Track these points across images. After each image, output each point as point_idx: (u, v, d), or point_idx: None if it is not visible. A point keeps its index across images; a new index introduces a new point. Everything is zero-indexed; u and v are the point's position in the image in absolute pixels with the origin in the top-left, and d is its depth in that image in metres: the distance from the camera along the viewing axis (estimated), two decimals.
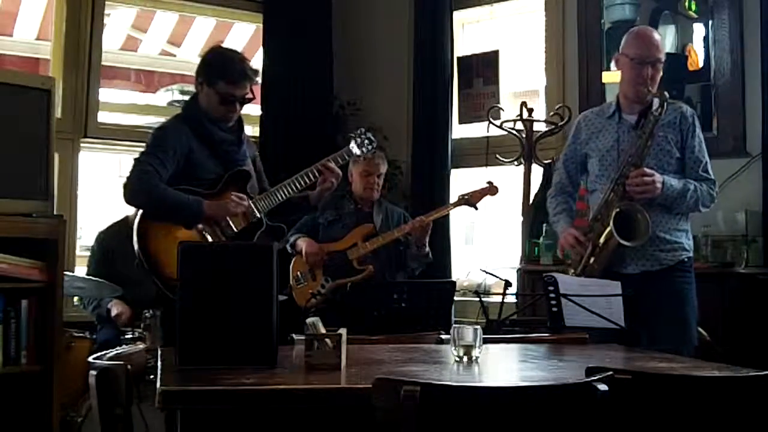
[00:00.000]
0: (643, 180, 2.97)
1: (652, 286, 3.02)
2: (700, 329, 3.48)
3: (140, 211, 3.07)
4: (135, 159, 3.07)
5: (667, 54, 4.48)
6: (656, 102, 3.05)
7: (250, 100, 3.18)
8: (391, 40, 5.44)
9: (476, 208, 4.10)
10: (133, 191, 3.00)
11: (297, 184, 3.24)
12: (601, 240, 3.03)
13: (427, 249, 4.05)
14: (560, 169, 3.38)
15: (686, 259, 3.12)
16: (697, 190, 3.07)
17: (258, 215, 3.17)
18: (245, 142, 3.27)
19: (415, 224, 3.98)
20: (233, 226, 3.11)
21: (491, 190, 4.08)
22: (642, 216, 2.98)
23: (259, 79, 3.19)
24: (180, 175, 3.04)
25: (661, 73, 3.14)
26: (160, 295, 3.02)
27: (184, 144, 3.06)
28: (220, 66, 3.12)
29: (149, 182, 2.96)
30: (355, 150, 3.44)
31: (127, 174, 3.05)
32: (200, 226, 3.05)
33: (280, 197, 3.21)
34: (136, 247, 3.02)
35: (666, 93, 3.06)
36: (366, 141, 3.47)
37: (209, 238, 3.06)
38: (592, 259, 3.06)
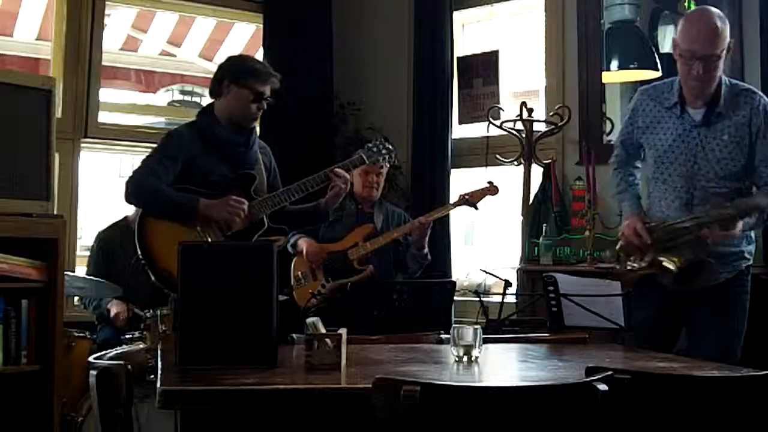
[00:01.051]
0: (725, 235, 2.73)
1: (706, 298, 2.85)
2: None
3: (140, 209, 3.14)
4: (141, 160, 3.18)
5: (667, 54, 4.51)
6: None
7: (269, 100, 3.25)
8: (391, 40, 5.44)
9: (476, 208, 4.10)
10: (130, 190, 3.10)
11: (302, 189, 3.27)
12: (659, 262, 2.79)
13: (426, 250, 4.06)
14: (619, 147, 3.12)
15: (745, 268, 2.93)
16: None
17: (259, 216, 3.19)
18: (255, 145, 3.31)
19: (415, 225, 3.99)
20: (232, 227, 3.13)
21: (491, 189, 4.08)
22: (709, 269, 2.75)
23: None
24: (189, 179, 3.11)
25: (719, 68, 2.80)
26: (155, 289, 3.10)
27: (188, 151, 3.13)
28: (247, 66, 3.22)
29: (146, 182, 3.06)
30: (366, 158, 3.49)
31: (130, 174, 3.17)
32: (198, 227, 3.08)
33: (283, 200, 3.24)
34: (135, 240, 3.07)
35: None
36: (383, 150, 3.51)
37: (207, 237, 3.08)
38: (639, 269, 2.84)
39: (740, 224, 2.71)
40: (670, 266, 2.74)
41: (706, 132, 2.84)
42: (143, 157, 3.21)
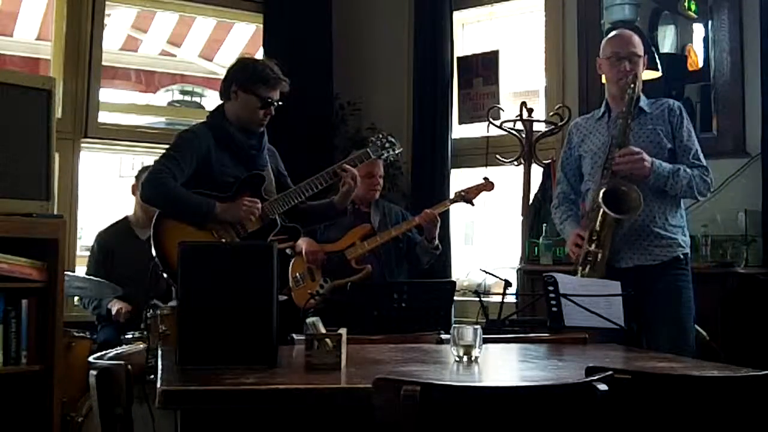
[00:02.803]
0: (630, 157, 3.02)
1: (647, 283, 3.03)
2: (699, 329, 3.48)
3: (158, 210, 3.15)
4: (155, 160, 3.19)
5: (667, 54, 4.52)
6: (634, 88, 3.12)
7: (279, 104, 3.25)
8: (391, 40, 5.44)
9: (472, 204, 4.11)
10: (147, 190, 3.12)
11: (312, 187, 3.29)
12: (597, 224, 3.06)
13: (437, 242, 4.07)
14: (561, 179, 3.42)
15: (681, 256, 3.15)
16: (689, 172, 3.09)
17: (272, 216, 3.22)
18: (266, 148, 3.33)
19: (423, 217, 3.99)
20: (246, 227, 3.16)
21: (487, 186, 4.08)
22: (629, 188, 3.02)
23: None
24: (200, 179, 3.13)
25: (641, 68, 3.22)
26: (168, 292, 3.15)
27: (203, 148, 3.14)
28: (256, 72, 3.20)
29: (163, 182, 3.06)
30: (374, 153, 3.49)
31: (146, 174, 3.19)
32: (213, 230, 3.11)
33: (295, 199, 3.26)
34: (151, 240, 3.09)
35: (636, 73, 3.15)
36: (387, 144, 3.51)
37: (223, 239, 3.11)
38: (592, 246, 3.07)
39: (648, 159, 3.02)
40: (600, 211, 3.03)
41: (620, 114, 3.14)
42: (157, 156, 3.22)
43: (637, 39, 3.25)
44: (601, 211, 3.03)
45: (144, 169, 4.21)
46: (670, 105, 3.24)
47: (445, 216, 4.54)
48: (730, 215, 4.05)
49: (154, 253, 3.06)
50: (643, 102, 3.23)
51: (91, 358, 2.17)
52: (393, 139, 3.56)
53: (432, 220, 3.99)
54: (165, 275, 3.07)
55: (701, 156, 3.19)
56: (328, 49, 5.32)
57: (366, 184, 4.11)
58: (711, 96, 4.32)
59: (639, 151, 3.04)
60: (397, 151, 3.61)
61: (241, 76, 3.21)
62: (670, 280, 3.10)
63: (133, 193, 4.26)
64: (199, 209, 3.08)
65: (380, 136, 3.58)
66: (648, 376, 1.78)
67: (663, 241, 3.12)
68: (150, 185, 3.09)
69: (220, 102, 3.31)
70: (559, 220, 3.40)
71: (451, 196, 4.26)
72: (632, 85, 3.10)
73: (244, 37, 6.14)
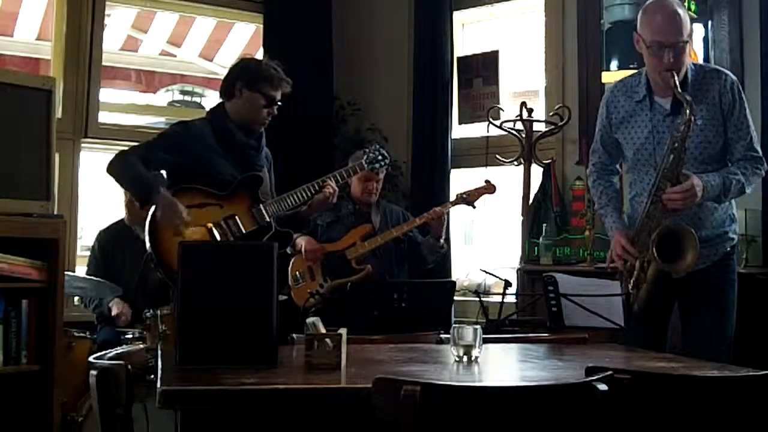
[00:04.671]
0: (681, 196, 2.70)
1: (695, 284, 2.84)
2: None
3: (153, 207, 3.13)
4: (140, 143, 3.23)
5: None
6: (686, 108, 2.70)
7: (279, 104, 3.27)
8: (391, 40, 5.44)
9: (474, 207, 4.11)
10: (109, 163, 3.12)
11: (308, 192, 3.30)
12: (646, 260, 2.78)
13: (443, 240, 4.08)
14: (598, 149, 3.09)
15: (729, 249, 2.92)
16: (741, 180, 2.78)
17: (268, 219, 3.22)
18: (264, 149, 3.34)
19: (431, 215, 4.00)
20: (242, 227, 3.17)
21: (489, 188, 4.09)
22: (689, 236, 2.71)
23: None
24: (198, 176, 3.13)
25: (687, 54, 2.78)
26: (158, 289, 3.16)
27: (195, 145, 3.15)
28: (261, 71, 3.22)
29: (125, 157, 3.09)
30: (366, 164, 3.55)
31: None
32: (210, 225, 3.12)
33: (290, 203, 3.28)
34: (146, 237, 3.08)
35: (689, 98, 2.70)
36: (379, 156, 3.55)
37: (218, 238, 3.11)
38: (642, 274, 2.82)
39: (699, 186, 2.69)
40: (653, 251, 2.71)
41: (677, 119, 2.79)
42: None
43: (682, 18, 2.75)
44: (653, 255, 2.72)
45: None
46: (722, 84, 2.82)
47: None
48: None
49: (148, 246, 3.06)
50: (689, 85, 2.82)
51: (91, 358, 2.16)
52: (386, 153, 3.62)
53: (440, 218, 3.99)
54: (158, 270, 3.07)
55: (755, 144, 2.85)
56: (328, 49, 5.32)
57: (362, 186, 4.12)
58: None
59: (689, 185, 2.68)
60: (387, 164, 3.73)
61: (247, 75, 3.21)
62: (715, 277, 2.88)
63: (129, 206, 4.23)
64: (143, 187, 3.07)
65: (375, 148, 3.63)
66: (648, 376, 1.78)
67: (712, 241, 2.87)
68: (114, 159, 3.11)
69: (220, 101, 3.31)
70: (598, 198, 3.07)
71: (453, 198, 4.27)
72: (688, 112, 2.68)
73: (244, 37, 6.14)
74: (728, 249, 2.91)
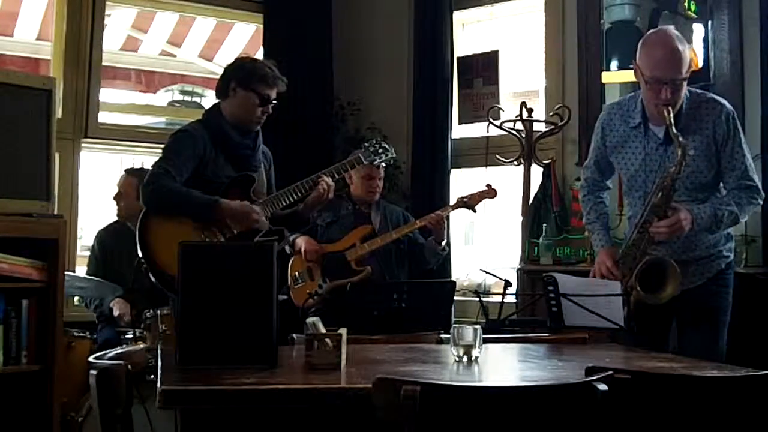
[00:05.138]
0: (666, 231, 2.76)
1: (690, 301, 2.88)
2: None
3: (144, 208, 3.13)
4: (152, 165, 3.18)
5: None
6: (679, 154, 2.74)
7: (274, 103, 3.26)
8: (391, 40, 5.44)
9: (474, 211, 4.12)
10: (148, 195, 3.08)
11: (301, 190, 3.28)
12: (629, 285, 2.82)
13: (444, 243, 4.08)
14: (592, 168, 3.15)
15: (724, 266, 2.94)
16: (734, 210, 2.81)
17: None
18: (261, 149, 3.33)
19: (432, 219, 3.99)
20: (232, 227, 3.14)
21: (490, 193, 4.08)
22: (672, 269, 2.76)
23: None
24: (195, 178, 3.12)
25: (684, 88, 2.82)
26: (153, 288, 3.10)
27: (199, 147, 3.13)
28: (255, 70, 3.21)
29: (161, 183, 3.04)
30: (363, 158, 3.49)
31: (145, 180, 3.14)
32: (199, 225, 3.09)
33: (283, 202, 3.26)
34: (137, 243, 3.08)
35: (686, 143, 2.75)
36: (380, 150, 3.51)
37: (207, 238, 3.09)
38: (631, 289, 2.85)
39: (687, 219, 2.74)
40: (635, 282, 2.79)
41: (670, 148, 2.84)
42: (156, 156, 3.20)
43: (684, 56, 2.78)
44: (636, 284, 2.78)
45: (126, 175, 4.22)
46: (718, 115, 2.84)
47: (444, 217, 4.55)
48: None
49: (140, 252, 3.06)
50: (683, 114, 2.86)
51: (91, 358, 2.16)
52: (387, 145, 3.56)
53: (440, 222, 3.99)
54: (149, 272, 3.05)
55: (751, 173, 2.87)
56: (328, 49, 5.32)
57: (365, 185, 4.11)
58: None
59: (676, 218, 2.74)
60: (389, 157, 3.63)
61: (241, 74, 3.21)
62: (709, 295, 2.91)
63: (117, 199, 4.23)
64: (205, 204, 3.06)
65: (374, 141, 3.59)
66: (648, 376, 1.78)
67: (705, 260, 2.90)
68: (149, 189, 3.06)
69: (216, 101, 3.31)
70: (587, 214, 3.15)
71: (453, 201, 4.27)
72: (678, 165, 2.73)
73: (244, 37, 6.13)
74: (723, 266, 2.94)
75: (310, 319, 2.05)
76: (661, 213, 2.78)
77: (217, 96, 3.28)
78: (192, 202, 3.06)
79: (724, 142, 2.84)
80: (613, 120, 3.03)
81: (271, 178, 3.44)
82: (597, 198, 3.15)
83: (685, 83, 2.80)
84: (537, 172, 4.68)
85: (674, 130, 2.74)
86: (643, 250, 2.84)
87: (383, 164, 3.72)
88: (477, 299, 3.66)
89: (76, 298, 4.40)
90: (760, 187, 2.90)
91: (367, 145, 3.60)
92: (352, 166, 3.50)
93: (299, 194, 3.29)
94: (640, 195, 2.95)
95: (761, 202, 2.91)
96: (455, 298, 3.80)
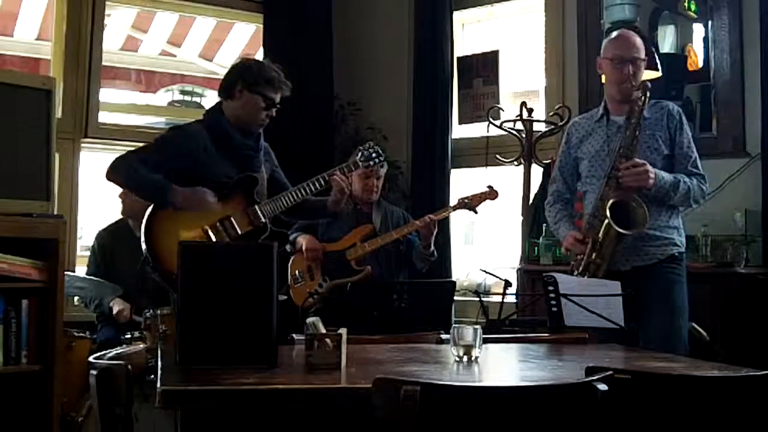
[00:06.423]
0: (636, 169, 3.02)
1: (644, 281, 3.06)
2: (699, 328, 3.48)
3: (151, 206, 3.13)
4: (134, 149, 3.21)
5: (667, 54, 4.52)
6: (639, 94, 3.13)
7: (278, 107, 3.27)
8: (391, 40, 5.44)
9: (476, 212, 4.11)
10: (110, 169, 3.13)
11: (302, 192, 3.29)
12: (601, 234, 3.07)
13: (432, 248, 4.07)
14: (557, 177, 3.43)
15: (677, 254, 3.17)
16: (688, 183, 3.12)
17: (263, 220, 3.20)
18: (263, 150, 3.33)
19: (421, 224, 3.99)
20: (237, 228, 3.16)
21: (491, 194, 4.08)
22: (637, 204, 3.03)
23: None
24: (195, 178, 3.11)
25: (642, 71, 3.22)
26: (158, 288, 3.13)
27: (193, 148, 3.13)
28: (262, 73, 3.21)
29: (129, 162, 3.09)
30: (361, 162, 3.48)
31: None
32: (205, 227, 3.11)
33: (285, 204, 3.26)
34: (141, 238, 3.08)
35: (648, 83, 3.13)
36: (374, 154, 3.51)
37: (213, 238, 3.10)
38: (594, 255, 3.08)
39: (652, 170, 3.02)
40: (605, 222, 3.03)
41: (627, 124, 3.13)
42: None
43: (639, 41, 3.25)
44: (606, 222, 3.04)
45: None
46: (670, 109, 3.24)
47: (445, 217, 4.54)
48: (730, 215, 4.05)
49: (144, 249, 3.06)
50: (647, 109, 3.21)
51: (91, 358, 2.16)
52: (380, 151, 3.56)
53: (429, 227, 3.98)
54: (155, 272, 3.06)
55: (699, 164, 3.20)
56: (328, 49, 5.32)
57: (365, 184, 4.11)
58: (711, 96, 4.32)
59: (644, 163, 3.04)
60: (383, 164, 3.72)
61: (248, 76, 3.20)
62: (663, 275, 3.12)
63: (122, 197, 4.23)
64: (157, 190, 3.08)
65: (369, 146, 3.57)
66: (648, 376, 1.78)
67: (658, 242, 3.14)
68: (114, 164, 3.11)
69: (218, 101, 3.31)
70: (552, 219, 3.40)
71: (453, 201, 4.26)
72: (642, 98, 3.10)
73: (244, 37, 6.14)
74: (675, 253, 3.17)
75: (310, 319, 2.04)
76: (629, 156, 3.06)
77: (221, 96, 3.27)
78: (147, 181, 3.07)
79: (677, 130, 3.20)
80: (578, 123, 3.44)
81: (281, 177, 3.44)
82: (561, 205, 3.40)
83: (643, 66, 3.22)
84: (537, 172, 4.68)
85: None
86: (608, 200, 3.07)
87: (376, 167, 3.74)
88: (477, 299, 3.66)
89: (75, 298, 4.40)
90: (705, 177, 3.20)
91: (362, 148, 3.59)
92: (350, 169, 3.47)
93: (300, 195, 3.29)
94: (600, 176, 3.17)
95: (707, 191, 3.22)
96: (455, 298, 3.81)
